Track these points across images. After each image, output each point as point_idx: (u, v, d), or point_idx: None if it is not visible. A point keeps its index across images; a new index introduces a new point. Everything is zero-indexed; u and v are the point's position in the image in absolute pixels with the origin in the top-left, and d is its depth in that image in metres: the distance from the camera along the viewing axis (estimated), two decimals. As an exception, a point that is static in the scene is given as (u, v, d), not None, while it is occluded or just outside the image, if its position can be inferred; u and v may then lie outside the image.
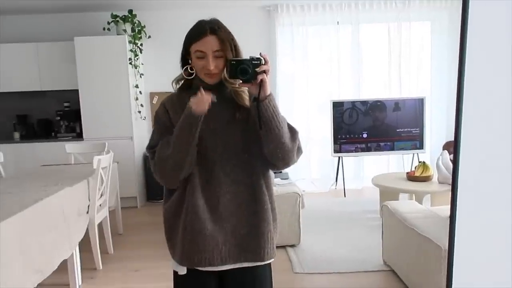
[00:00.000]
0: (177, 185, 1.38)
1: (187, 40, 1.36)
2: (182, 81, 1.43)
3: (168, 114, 1.40)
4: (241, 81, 1.27)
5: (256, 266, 1.41)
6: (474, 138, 0.72)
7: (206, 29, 1.32)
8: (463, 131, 0.70)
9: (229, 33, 1.35)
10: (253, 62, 1.25)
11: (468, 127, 0.71)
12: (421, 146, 5.01)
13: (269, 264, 1.46)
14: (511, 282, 0.77)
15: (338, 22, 5.28)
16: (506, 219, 0.75)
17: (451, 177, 0.77)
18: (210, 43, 1.30)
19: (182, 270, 1.41)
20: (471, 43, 0.70)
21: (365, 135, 5.02)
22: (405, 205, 2.81)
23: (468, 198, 0.74)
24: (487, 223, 0.75)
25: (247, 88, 1.34)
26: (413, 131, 5.00)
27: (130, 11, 4.84)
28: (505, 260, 0.74)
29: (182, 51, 1.39)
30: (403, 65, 5.36)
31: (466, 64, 0.66)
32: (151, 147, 1.41)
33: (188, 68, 1.38)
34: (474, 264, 0.77)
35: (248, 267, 1.40)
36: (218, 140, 1.35)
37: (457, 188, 0.71)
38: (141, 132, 5.13)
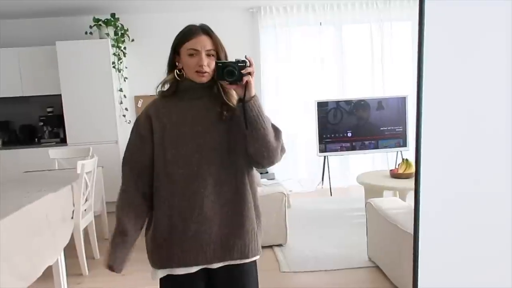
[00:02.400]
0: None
1: (178, 40, 1.39)
2: (168, 85, 1.45)
3: (150, 120, 1.42)
4: (227, 83, 1.31)
5: (242, 263, 1.43)
6: (434, 136, 0.76)
7: (198, 29, 1.37)
8: (424, 129, 0.73)
9: (219, 38, 1.40)
10: (239, 64, 1.30)
11: (428, 125, 0.75)
12: (404, 144, 5.09)
13: (255, 261, 1.48)
14: (475, 276, 0.81)
15: (321, 23, 5.33)
16: (467, 213, 0.78)
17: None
18: (203, 42, 1.35)
19: (162, 273, 1.43)
20: (428, 46, 0.73)
21: (349, 134, 5.08)
22: (388, 202, 2.86)
23: (431, 193, 0.77)
24: (450, 217, 0.79)
25: None
26: (397, 129, 5.08)
27: (113, 15, 4.81)
28: (469, 256, 0.78)
29: (171, 53, 1.42)
30: (386, 64, 5.45)
31: (424, 66, 0.69)
32: (124, 162, 1.48)
33: (177, 70, 1.40)
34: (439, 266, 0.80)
35: (235, 264, 1.42)
36: (202, 141, 1.37)
37: (420, 181, 0.75)
38: (126, 136, 5.02)
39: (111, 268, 1.40)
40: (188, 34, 1.37)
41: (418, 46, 0.70)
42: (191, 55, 1.35)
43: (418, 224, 0.73)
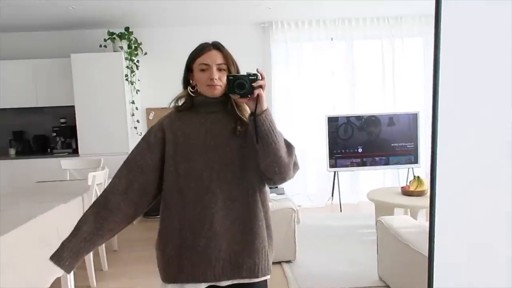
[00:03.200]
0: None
1: (191, 58, 1.41)
2: (183, 101, 1.46)
3: (164, 131, 1.42)
4: (238, 96, 1.31)
5: (251, 283, 1.40)
6: (450, 151, 0.74)
7: (209, 45, 1.40)
8: (439, 145, 0.72)
9: (230, 53, 1.42)
10: (250, 77, 1.29)
11: (444, 142, 0.73)
12: (415, 161, 5.04)
13: (265, 281, 1.45)
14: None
15: (332, 38, 5.36)
16: (483, 230, 0.76)
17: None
18: (213, 56, 1.37)
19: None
20: (445, 57, 0.73)
21: (360, 150, 5.05)
22: (399, 220, 2.82)
23: (446, 212, 0.75)
24: (465, 235, 0.77)
25: None
26: (408, 146, 5.04)
27: (127, 28, 4.90)
28: (483, 272, 0.76)
29: (185, 71, 1.44)
30: (397, 80, 5.43)
31: (440, 76, 0.68)
32: (124, 162, 1.45)
33: (190, 87, 1.42)
34: (455, 274, 0.78)
35: (243, 283, 1.40)
36: (215, 156, 1.37)
37: (435, 201, 0.73)
38: (137, 148, 5.13)
39: (51, 259, 1.35)
40: (199, 50, 1.39)
41: (434, 61, 0.69)
42: (202, 70, 1.37)
43: (433, 247, 0.71)
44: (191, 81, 1.43)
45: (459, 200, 0.77)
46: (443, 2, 0.65)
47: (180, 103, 1.47)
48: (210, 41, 1.43)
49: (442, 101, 0.71)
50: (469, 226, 0.77)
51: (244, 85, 1.28)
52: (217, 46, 1.40)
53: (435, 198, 0.71)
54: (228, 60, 1.38)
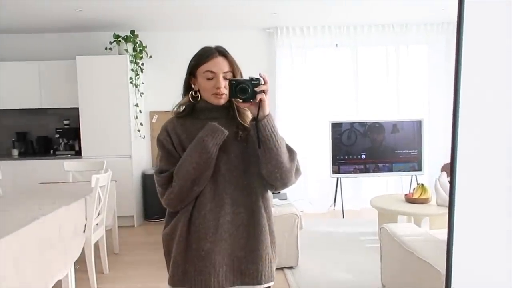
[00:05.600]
0: (183, 206, 1.38)
1: (195, 62, 1.38)
2: (184, 107, 1.44)
3: (170, 138, 1.41)
4: (240, 101, 1.29)
5: None
6: (470, 160, 0.73)
7: (214, 51, 1.37)
8: (459, 152, 0.70)
9: (234, 58, 1.40)
10: (252, 82, 1.28)
11: (464, 149, 0.72)
12: (419, 168, 5.02)
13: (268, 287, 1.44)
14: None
15: (337, 45, 5.36)
16: (504, 242, 0.75)
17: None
18: (220, 64, 1.34)
19: None
20: (466, 63, 0.71)
21: (363, 156, 5.03)
22: (403, 228, 2.79)
23: (465, 222, 0.74)
24: (485, 246, 0.75)
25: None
26: (412, 153, 5.02)
27: (132, 32, 4.91)
28: (503, 285, 0.74)
29: (187, 75, 1.42)
30: (401, 87, 5.43)
31: (461, 84, 0.67)
32: (160, 171, 1.39)
33: (192, 92, 1.40)
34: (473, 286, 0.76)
35: None
36: (220, 162, 1.36)
37: (454, 212, 0.72)
38: (140, 151, 5.13)
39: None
40: (204, 56, 1.36)
41: (455, 63, 0.68)
42: (208, 77, 1.35)
43: (451, 263, 0.69)
44: (193, 86, 1.41)
45: (480, 213, 0.75)
46: (466, 3, 0.64)
47: (181, 109, 1.46)
48: (213, 46, 1.40)
49: (462, 106, 0.70)
50: (489, 235, 0.75)
51: (247, 90, 1.27)
52: (222, 52, 1.37)
53: (454, 207, 0.69)
54: (234, 67, 1.37)
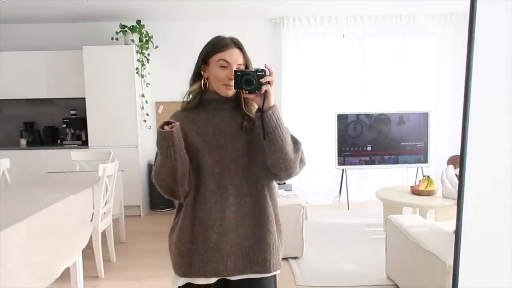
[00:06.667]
0: (179, 198, 1.41)
1: (209, 50, 1.38)
2: (191, 97, 1.44)
3: None
4: (246, 92, 1.29)
5: (263, 277, 1.41)
6: (480, 153, 0.73)
7: (230, 42, 1.37)
8: (469, 145, 0.70)
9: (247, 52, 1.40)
10: (258, 73, 1.28)
11: (474, 141, 0.72)
12: (425, 160, 5.00)
13: (275, 276, 1.46)
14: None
15: (343, 35, 5.31)
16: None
17: (455, 191, 0.78)
18: (235, 56, 1.35)
19: (182, 281, 1.41)
20: (478, 57, 0.71)
21: (369, 148, 5.02)
22: (409, 220, 2.80)
23: (474, 213, 0.74)
24: (493, 239, 0.75)
25: None
26: (418, 145, 4.99)
27: (138, 22, 4.90)
28: (510, 276, 0.74)
29: (198, 61, 1.41)
30: (408, 79, 5.38)
31: (472, 78, 0.67)
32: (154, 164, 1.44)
33: (203, 79, 1.40)
34: (480, 280, 0.77)
35: (254, 278, 1.40)
36: (224, 152, 1.37)
37: (462, 204, 0.72)
38: (146, 141, 5.15)
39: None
40: (220, 45, 1.36)
41: (467, 58, 0.68)
42: (222, 66, 1.35)
43: (459, 251, 0.70)
44: (203, 72, 1.41)
45: (488, 205, 0.75)
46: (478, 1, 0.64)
47: (190, 97, 1.45)
48: (227, 36, 1.40)
49: (473, 102, 0.70)
50: (496, 231, 0.75)
51: (252, 81, 1.27)
52: (238, 45, 1.38)
53: (462, 202, 0.69)
54: (248, 61, 1.38)
